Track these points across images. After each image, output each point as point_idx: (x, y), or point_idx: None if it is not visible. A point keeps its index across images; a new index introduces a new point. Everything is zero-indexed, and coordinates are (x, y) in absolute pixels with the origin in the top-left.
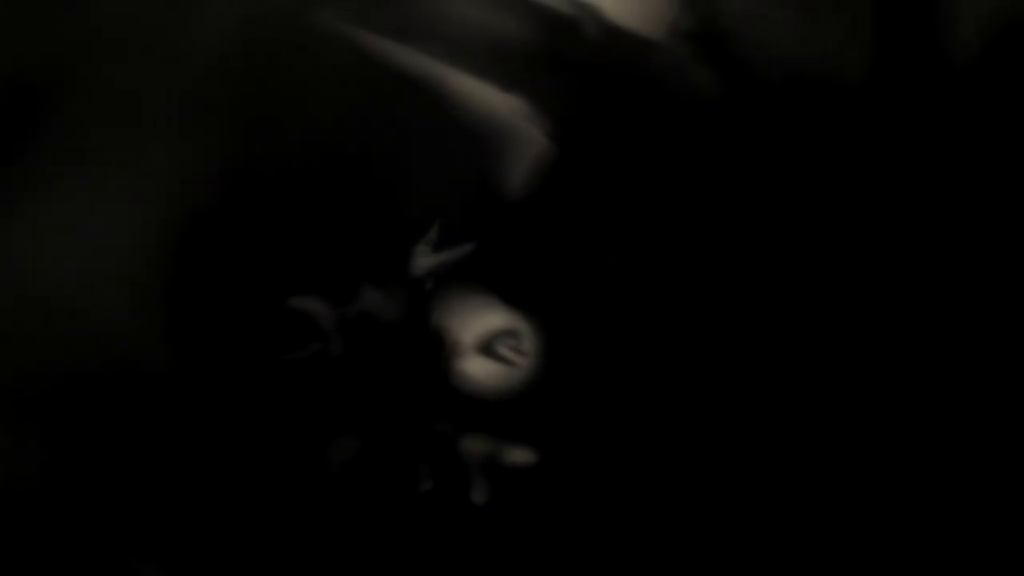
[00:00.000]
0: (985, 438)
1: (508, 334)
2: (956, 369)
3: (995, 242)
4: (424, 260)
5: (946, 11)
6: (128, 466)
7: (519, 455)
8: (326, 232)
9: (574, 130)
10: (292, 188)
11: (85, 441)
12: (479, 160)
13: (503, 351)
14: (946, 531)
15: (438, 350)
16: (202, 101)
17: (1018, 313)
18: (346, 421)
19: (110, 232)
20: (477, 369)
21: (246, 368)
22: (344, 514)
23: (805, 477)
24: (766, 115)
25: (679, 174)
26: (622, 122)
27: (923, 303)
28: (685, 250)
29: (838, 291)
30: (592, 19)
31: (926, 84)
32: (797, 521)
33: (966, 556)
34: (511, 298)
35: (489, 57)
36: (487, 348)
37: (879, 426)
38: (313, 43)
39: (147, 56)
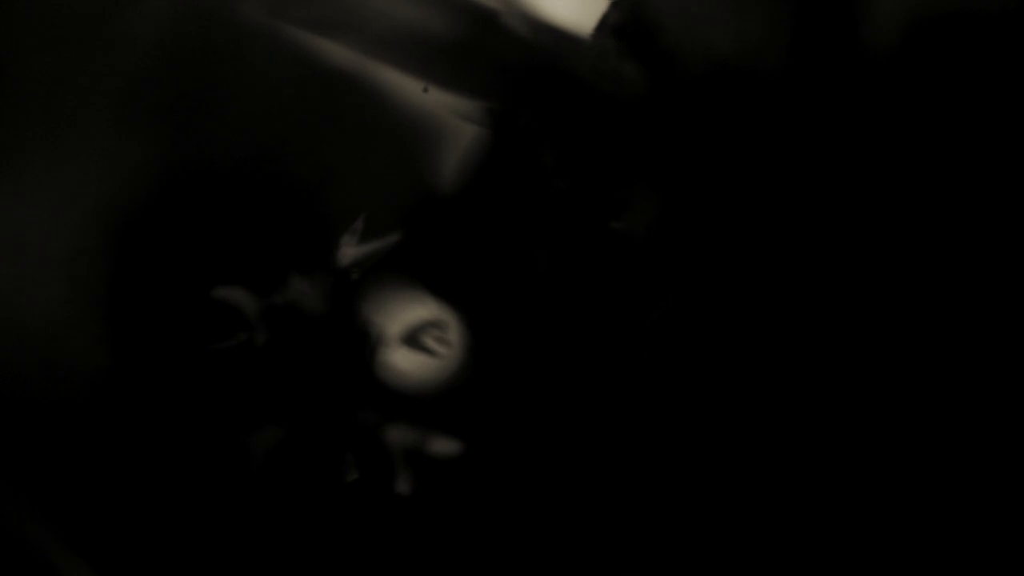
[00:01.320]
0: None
1: (433, 325)
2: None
3: (911, 223)
4: (350, 251)
5: (863, 5)
6: (62, 458)
7: (443, 445)
8: (256, 223)
9: (502, 124)
10: (223, 181)
11: (19, 434)
12: (407, 153)
13: (428, 342)
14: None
15: (363, 340)
16: (136, 97)
17: (928, 288)
18: (270, 410)
19: (44, 227)
20: (402, 360)
21: (177, 359)
22: (270, 502)
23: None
24: (692, 107)
25: (606, 166)
26: (550, 116)
27: (840, 285)
28: (611, 242)
29: (762, 274)
30: (516, 13)
31: (844, 75)
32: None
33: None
34: (437, 290)
35: (412, 50)
36: (412, 339)
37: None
38: (244, 40)
39: (80, 53)
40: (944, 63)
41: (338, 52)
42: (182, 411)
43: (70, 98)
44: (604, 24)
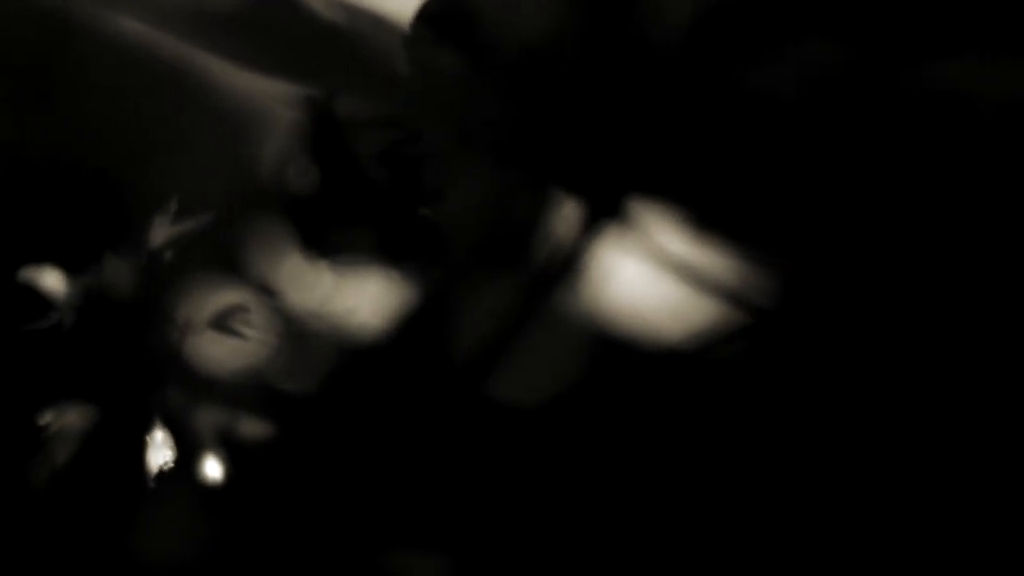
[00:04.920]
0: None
1: (241, 308)
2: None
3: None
4: (162, 231)
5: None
6: None
7: (253, 428)
8: (71, 207)
9: (319, 111)
10: (45, 167)
11: None
12: (224, 137)
13: (236, 325)
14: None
15: (172, 323)
16: None
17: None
18: (76, 392)
19: None
20: (210, 343)
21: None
22: (73, 488)
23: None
24: (510, 93)
25: (424, 155)
26: (367, 104)
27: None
28: (423, 229)
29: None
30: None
31: (635, 62)
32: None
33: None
34: (247, 273)
35: (216, 31)
36: (219, 322)
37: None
38: (69, 31)
39: None
40: (729, 50)
41: (160, 39)
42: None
43: None
44: (422, 12)
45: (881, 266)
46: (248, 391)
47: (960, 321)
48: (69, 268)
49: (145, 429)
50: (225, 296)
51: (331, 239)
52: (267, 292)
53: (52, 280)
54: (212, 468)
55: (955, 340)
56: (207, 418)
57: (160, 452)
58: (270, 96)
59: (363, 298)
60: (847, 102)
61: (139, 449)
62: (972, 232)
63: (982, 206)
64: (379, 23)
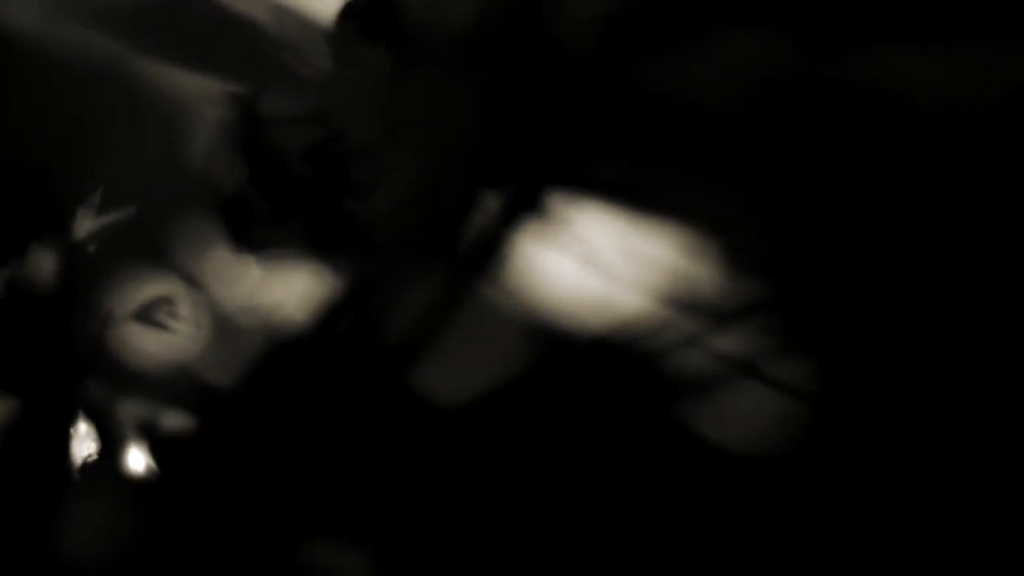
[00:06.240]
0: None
1: (166, 300)
2: None
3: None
4: (86, 223)
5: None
6: None
7: (176, 420)
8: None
9: (244, 107)
10: None
11: None
12: (150, 132)
13: (160, 317)
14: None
15: (97, 315)
16: None
17: None
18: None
19: None
20: (134, 335)
21: None
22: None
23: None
24: (437, 88)
25: (350, 150)
26: (293, 99)
27: None
28: (348, 223)
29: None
30: None
31: (554, 57)
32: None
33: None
34: (172, 265)
35: (142, 24)
36: (145, 315)
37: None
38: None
39: None
40: (646, 43)
41: (86, 34)
42: None
43: None
44: (347, 8)
45: (809, 257)
46: (173, 384)
47: (895, 313)
48: None
49: (68, 421)
50: (151, 289)
51: (258, 233)
52: (194, 285)
53: None
54: (136, 461)
55: (886, 331)
56: (131, 410)
57: (83, 445)
58: (196, 92)
59: (290, 292)
60: (771, 94)
61: (62, 442)
62: (899, 222)
63: (907, 201)
64: (303, 19)
